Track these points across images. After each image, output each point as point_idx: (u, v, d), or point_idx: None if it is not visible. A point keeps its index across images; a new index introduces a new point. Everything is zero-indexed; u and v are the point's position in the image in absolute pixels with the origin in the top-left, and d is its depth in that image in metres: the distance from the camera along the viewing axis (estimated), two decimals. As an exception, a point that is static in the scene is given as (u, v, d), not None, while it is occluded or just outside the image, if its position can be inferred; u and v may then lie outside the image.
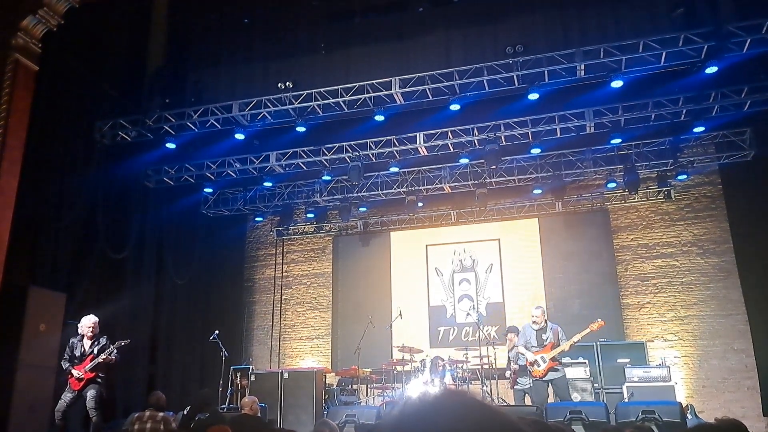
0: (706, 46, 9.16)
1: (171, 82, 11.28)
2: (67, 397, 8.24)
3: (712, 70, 9.42)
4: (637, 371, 10.34)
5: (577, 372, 10.65)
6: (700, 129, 11.13)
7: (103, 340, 8.49)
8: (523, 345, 8.81)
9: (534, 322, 8.80)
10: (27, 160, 8.90)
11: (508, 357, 10.02)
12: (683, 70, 10.03)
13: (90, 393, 8.21)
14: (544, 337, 8.67)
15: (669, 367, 10.46)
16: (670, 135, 11.74)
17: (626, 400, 9.70)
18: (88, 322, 8.51)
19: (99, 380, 8.33)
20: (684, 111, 10.75)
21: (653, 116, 10.88)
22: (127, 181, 11.84)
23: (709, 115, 10.82)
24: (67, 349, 8.46)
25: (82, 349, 8.41)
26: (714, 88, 10.33)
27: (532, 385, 9.01)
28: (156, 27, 10.99)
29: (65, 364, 8.38)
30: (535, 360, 8.57)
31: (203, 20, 11.44)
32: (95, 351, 8.34)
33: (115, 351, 8.38)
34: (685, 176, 12.62)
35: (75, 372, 8.27)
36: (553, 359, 8.52)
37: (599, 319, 8.81)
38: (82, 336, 8.49)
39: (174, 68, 11.41)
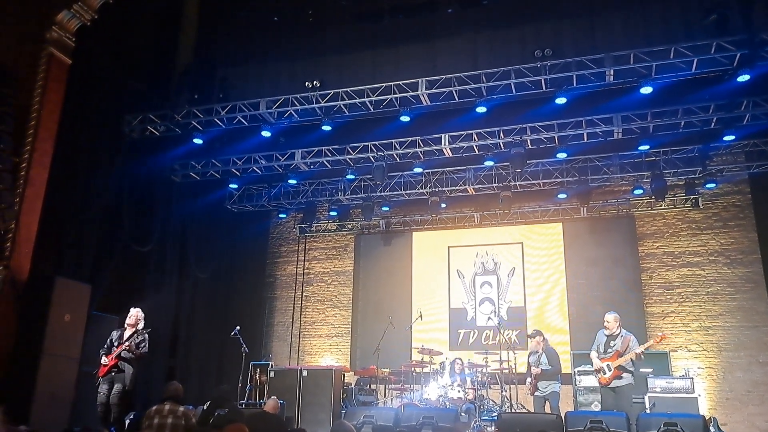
0: (738, 54, 9.00)
1: (199, 78, 11.38)
2: (103, 389, 8.36)
3: (744, 78, 9.25)
4: (659, 381, 10.20)
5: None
6: (731, 138, 10.95)
7: (140, 331, 8.59)
8: (594, 351, 8.73)
9: (605, 328, 8.71)
10: (57, 152, 9.04)
11: (528, 362, 9.91)
12: (715, 78, 9.84)
13: (117, 387, 8.33)
14: (612, 344, 8.55)
15: (692, 378, 10.29)
16: (700, 143, 11.57)
17: (648, 411, 9.57)
18: (132, 312, 8.69)
19: (125, 371, 8.39)
20: (714, 119, 10.58)
21: (683, 123, 10.71)
22: (153, 175, 11.95)
23: (740, 123, 10.62)
24: (108, 339, 8.60)
25: (120, 338, 8.52)
26: (746, 96, 10.15)
27: (556, 390, 9.31)
28: (186, 23, 11.11)
29: (102, 352, 8.52)
30: (601, 367, 8.52)
31: (232, 17, 11.51)
32: (127, 342, 8.43)
33: (144, 345, 8.43)
34: (713, 185, 12.43)
35: (104, 359, 8.41)
36: (618, 368, 8.37)
37: (661, 333, 8.99)
38: (125, 328, 8.61)
39: (203, 64, 11.51)
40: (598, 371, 8.62)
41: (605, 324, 8.72)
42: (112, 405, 8.26)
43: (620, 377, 8.39)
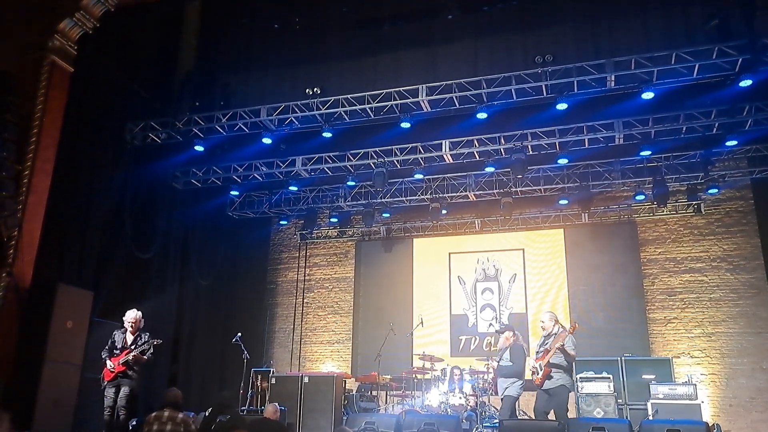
0: (740, 59, 8.99)
1: (201, 85, 11.41)
2: (110, 392, 8.19)
3: (746, 83, 9.25)
4: (662, 388, 10.16)
5: (600, 387, 10.48)
6: (733, 143, 10.95)
7: (144, 337, 8.40)
8: (536, 352, 8.34)
9: (543, 329, 8.47)
10: (59, 159, 9.06)
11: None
12: (716, 83, 9.86)
13: (124, 390, 8.13)
14: (546, 342, 8.17)
15: (695, 384, 10.24)
16: (702, 148, 11.56)
17: (651, 418, 9.52)
18: (130, 317, 8.43)
19: (132, 377, 8.23)
20: (716, 124, 10.55)
21: (684, 129, 10.70)
22: (155, 182, 11.97)
23: (742, 128, 10.60)
24: (110, 340, 8.44)
25: (123, 342, 8.35)
26: (748, 101, 10.15)
27: (511, 395, 8.35)
28: (188, 31, 11.12)
29: (104, 354, 8.33)
30: (534, 368, 8.13)
31: (233, 25, 11.55)
32: (133, 347, 8.33)
33: (150, 350, 8.36)
34: (715, 190, 12.40)
35: (109, 363, 8.26)
36: (548, 365, 7.94)
37: (576, 323, 8.55)
38: (126, 330, 8.45)
39: (204, 72, 11.54)
40: (533, 373, 8.16)
41: (541, 325, 8.54)
42: (120, 408, 8.14)
43: (550, 376, 7.95)
